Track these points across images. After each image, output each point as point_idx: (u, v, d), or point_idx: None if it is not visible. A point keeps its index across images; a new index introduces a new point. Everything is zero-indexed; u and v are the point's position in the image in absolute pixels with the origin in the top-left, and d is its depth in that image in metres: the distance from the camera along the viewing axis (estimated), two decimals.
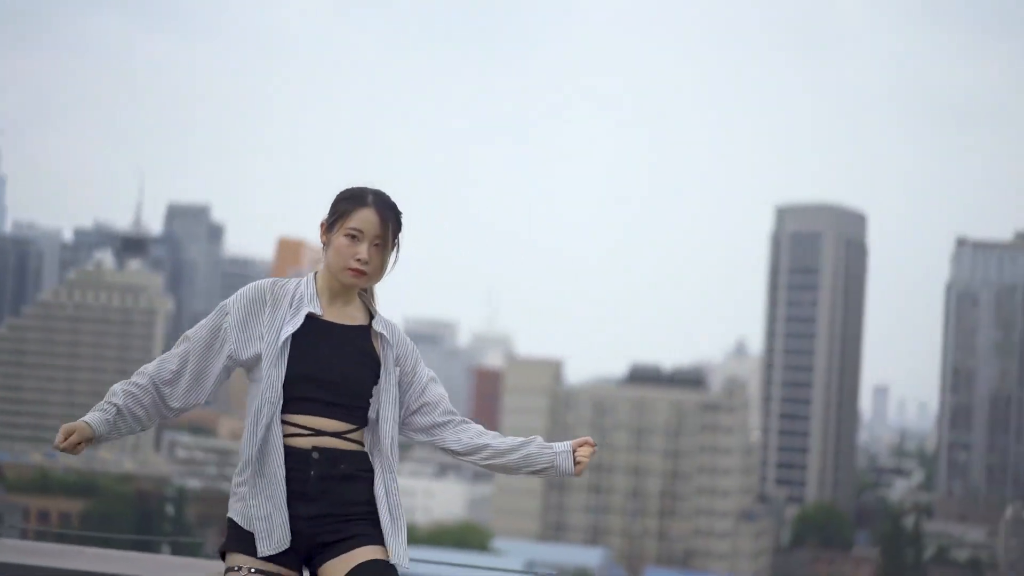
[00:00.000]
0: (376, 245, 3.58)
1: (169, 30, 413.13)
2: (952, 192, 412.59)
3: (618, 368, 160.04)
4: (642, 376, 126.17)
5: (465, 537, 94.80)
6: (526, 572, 6.51)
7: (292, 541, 3.45)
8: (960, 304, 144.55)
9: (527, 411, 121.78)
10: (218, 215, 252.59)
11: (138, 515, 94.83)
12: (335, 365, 3.54)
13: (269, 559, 3.44)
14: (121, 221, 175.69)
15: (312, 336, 3.55)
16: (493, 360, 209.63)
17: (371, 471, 3.61)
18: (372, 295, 3.74)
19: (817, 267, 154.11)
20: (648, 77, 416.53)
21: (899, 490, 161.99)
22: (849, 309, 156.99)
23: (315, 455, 3.48)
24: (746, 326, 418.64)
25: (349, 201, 3.62)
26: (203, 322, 3.65)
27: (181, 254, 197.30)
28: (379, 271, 3.63)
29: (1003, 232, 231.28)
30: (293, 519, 3.45)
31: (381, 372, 3.61)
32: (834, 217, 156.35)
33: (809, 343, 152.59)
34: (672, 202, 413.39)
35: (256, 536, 3.45)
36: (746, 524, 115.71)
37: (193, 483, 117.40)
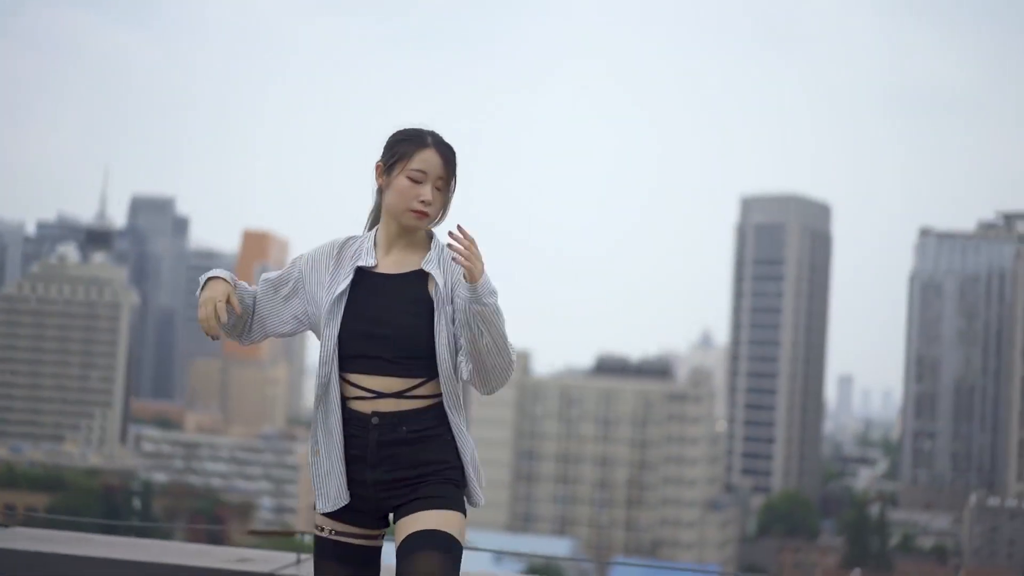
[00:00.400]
0: (437, 187, 3.50)
1: (134, 23, 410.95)
2: (916, 183, 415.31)
3: (585, 359, 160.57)
4: (609, 367, 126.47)
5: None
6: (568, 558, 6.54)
7: (361, 504, 3.44)
8: (924, 294, 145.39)
9: (494, 402, 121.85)
10: (183, 207, 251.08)
11: (105, 509, 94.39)
12: (389, 318, 3.44)
13: (348, 521, 3.45)
14: (85, 214, 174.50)
15: (365, 291, 3.48)
16: None
17: (443, 425, 3.48)
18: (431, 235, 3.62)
19: (782, 258, 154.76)
20: (615, 70, 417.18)
21: (864, 479, 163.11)
22: (813, 299, 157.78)
23: (375, 420, 3.41)
24: (712, 317, 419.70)
25: (408, 142, 3.52)
26: (277, 271, 3.63)
27: (146, 247, 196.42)
28: (440, 212, 3.53)
29: (966, 222, 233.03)
30: (358, 483, 3.42)
31: (435, 315, 3.47)
32: (798, 208, 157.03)
33: (774, 333, 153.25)
34: (638, 194, 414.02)
35: (316, 493, 3.49)
36: (712, 514, 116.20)
37: (159, 476, 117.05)
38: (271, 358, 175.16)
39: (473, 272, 3.31)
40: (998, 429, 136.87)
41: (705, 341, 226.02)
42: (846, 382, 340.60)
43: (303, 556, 4.58)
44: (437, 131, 3.57)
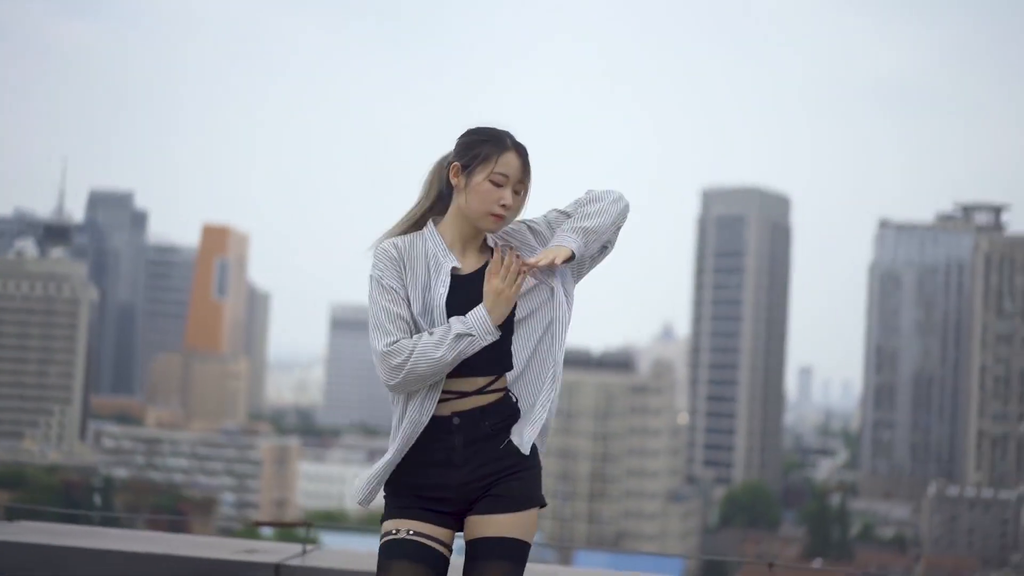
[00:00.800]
0: (516, 191, 3.46)
1: (91, 16, 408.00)
2: (874, 175, 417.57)
3: None
4: (571, 359, 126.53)
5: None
6: None
7: (443, 506, 3.43)
8: (883, 285, 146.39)
9: None
10: (141, 202, 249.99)
11: (65, 505, 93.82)
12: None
13: (427, 520, 3.43)
14: (42, 209, 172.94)
15: (454, 295, 3.44)
16: None
17: (516, 415, 3.52)
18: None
19: (742, 250, 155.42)
20: (576, 67, 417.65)
21: (824, 469, 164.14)
22: (774, 291, 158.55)
23: (455, 420, 3.43)
24: (673, 309, 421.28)
25: (490, 144, 3.45)
26: (375, 299, 3.49)
27: (104, 242, 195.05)
28: (515, 215, 3.50)
29: (925, 214, 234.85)
30: (442, 487, 3.42)
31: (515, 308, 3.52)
32: (759, 200, 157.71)
33: (735, 326, 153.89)
34: (599, 186, 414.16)
35: (386, 490, 3.51)
36: (675, 505, 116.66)
37: (120, 472, 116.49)
38: (232, 352, 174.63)
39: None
40: (956, 419, 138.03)
41: (666, 333, 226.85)
42: (806, 373, 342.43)
43: (308, 548, 4.63)
44: (512, 131, 3.53)
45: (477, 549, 3.39)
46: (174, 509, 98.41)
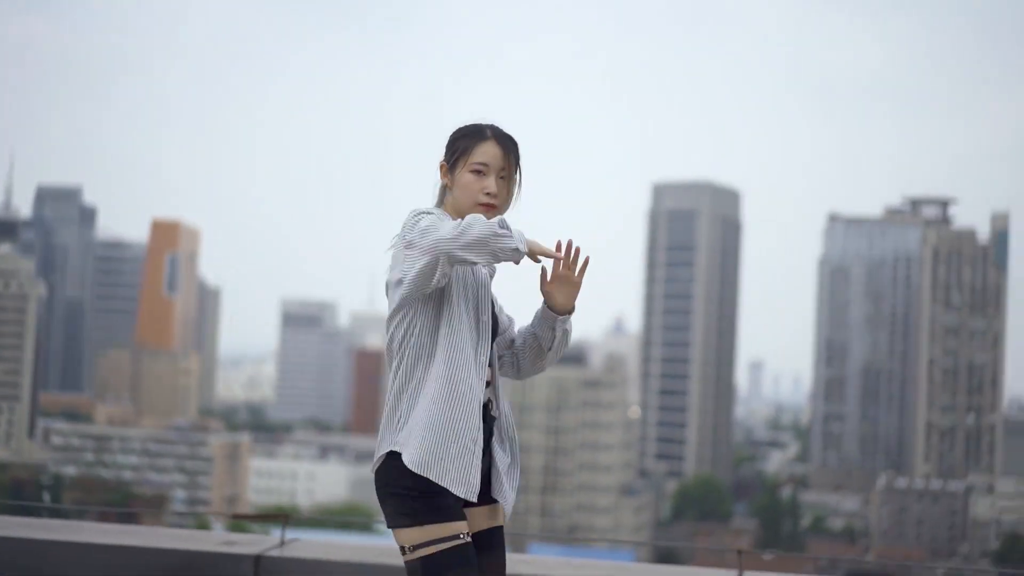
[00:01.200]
0: (501, 177, 3.52)
1: (36, 9, 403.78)
2: (824, 169, 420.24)
3: None
4: None
5: (350, 518, 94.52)
6: None
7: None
8: (832, 279, 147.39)
9: None
10: (90, 197, 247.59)
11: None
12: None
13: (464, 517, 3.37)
14: None
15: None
16: (374, 341, 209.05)
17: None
18: None
19: (693, 244, 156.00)
20: (525, 58, 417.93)
21: (775, 462, 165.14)
22: (724, 286, 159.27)
23: (491, 408, 3.52)
24: (625, 303, 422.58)
25: (468, 137, 3.54)
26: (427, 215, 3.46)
27: (52, 238, 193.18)
28: (506, 203, 3.56)
29: (873, 208, 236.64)
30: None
31: (494, 303, 3.65)
32: (709, 195, 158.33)
33: (686, 319, 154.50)
34: (550, 180, 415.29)
35: (447, 479, 3.31)
36: (627, 499, 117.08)
37: (69, 470, 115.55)
38: (182, 348, 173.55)
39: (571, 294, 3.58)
40: (905, 412, 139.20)
41: (618, 327, 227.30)
42: (757, 367, 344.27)
43: (287, 538, 4.66)
44: (496, 124, 3.60)
45: (493, 538, 3.47)
46: (125, 506, 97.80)
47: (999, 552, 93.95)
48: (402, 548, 3.35)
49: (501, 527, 3.48)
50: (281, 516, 4.83)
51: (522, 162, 3.59)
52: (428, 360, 3.42)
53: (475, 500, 3.36)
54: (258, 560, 4.37)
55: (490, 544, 3.43)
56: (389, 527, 3.41)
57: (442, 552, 3.25)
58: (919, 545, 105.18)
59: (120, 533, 4.64)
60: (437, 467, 3.30)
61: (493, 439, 3.49)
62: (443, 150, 3.61)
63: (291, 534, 4.72)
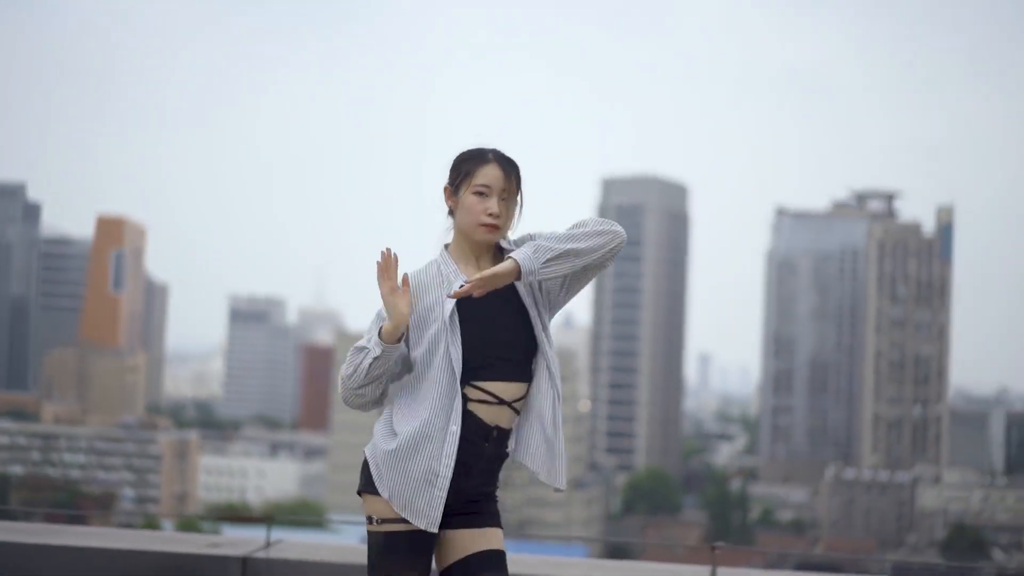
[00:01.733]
0: (503, 199, 3.60)
1: None
2: (771, 164, 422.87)
3: None
4: None
5: (300, 515, 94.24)
6: None
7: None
8: (780, 272, 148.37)
9: None
10: (34, 194, 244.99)
11: None
12: (507, 325, 3.58)
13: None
14: None
15: (471, 307, 3.55)
16: (323, 337, 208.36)
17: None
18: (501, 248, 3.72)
19: (641, 239, 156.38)
20: (474, 51, 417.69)
21: (724, 455, 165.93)
22: (673, 280, 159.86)
23: (495, 433, 3.54)
24: (574, 298, 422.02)
25: (470, 161, 3.64)
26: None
27: None
28: (508, 224, 3.63)
29: (820, 202, 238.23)
30: (452, 491, 3.49)
31: (531, 313, 3.65)
32: (657, 189, 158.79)
33: (635, 314, 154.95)
34: None
35: (392, 492, 3.47)
36: (577, 492, 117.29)
37: (16, 469, 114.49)
38: (129, 346, 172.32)
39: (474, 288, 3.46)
40: (852, 403, 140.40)
41: (568, 322, 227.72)
42: (705, 360, 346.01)
43: (272, 539, 4.66)
44: (497, 148, 3.70)
45: (481, 562, 3.51)
46: (73, 505, 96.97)
47: (946, 542, 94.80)
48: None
49: (493, 552, 3.58)
50: (264, 519, 4.84)
51: (523, 185, 3.69)
52: None
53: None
54: (245, 562, 4.38)
55: (478, 567, 3.53)
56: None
57: (375, 533, 3.52)
58: (867, 536, 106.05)
59: (102, 536, 4.64)
60: None
61: (488, 460, 3.62)
62: (447, 174, 3.70)
63: (254, 532, 4.73)
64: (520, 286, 3.63)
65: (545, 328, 3.65)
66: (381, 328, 3.50)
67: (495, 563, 3.52)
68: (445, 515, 3.48)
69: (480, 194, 3.58)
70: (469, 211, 3.58)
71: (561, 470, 3.61)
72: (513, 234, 3.68)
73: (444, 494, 3.43)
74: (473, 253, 3.64)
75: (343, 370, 3.52)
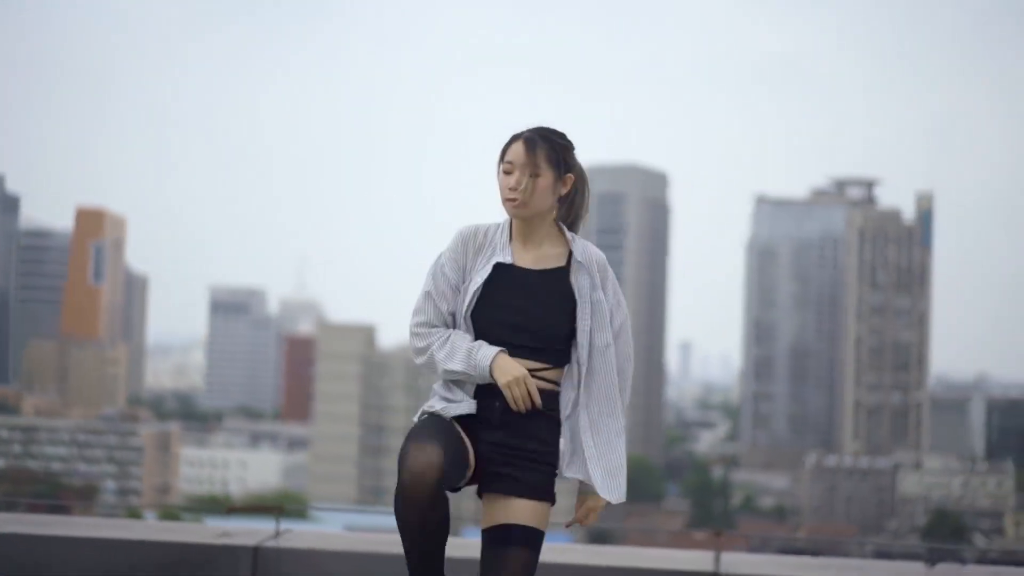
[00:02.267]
0: (533, 175, 3.70)
1: None
2: (751, 151, 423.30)
3: None
4: None
5: (282, 505, 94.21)
6: None
7: (474, 460, 3.70)
8: (760, 260, 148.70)
9: (340, 377, 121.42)
10: (12, 185, 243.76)
11: None
12: (527, 310, 3.67)
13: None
14: None
15: (504, 284, 3.70)
16: (304, 327, 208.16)
17: (556, 408, 3.77)
18: (572, 229, 3.92)
19: (622, 228, 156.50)
20: (451, 43, 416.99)
21: (706, 442, 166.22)
22: (654, 268, 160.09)
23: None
24: None
25: (508, 141, 3.77)
26: (428, 275, 3.81)
27: None
28: (535, 198, 3.72)
29: (800, 189, 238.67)
30: (477, 442, 3.70)
31: (578, 307, 3.76)
32: (638, 178, 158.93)
33: None
34: (478, 165, 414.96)
35: (450, 403, 3.73)
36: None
37: None
38: (110, 338, 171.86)
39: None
40: (833, 390, 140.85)
41: None
42: (686, 348, 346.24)
43: (282, 529, 4.66)
44: (546, 127, 3.82)
45: (499, 534, 3.65)
46: (55, 497, 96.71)
47: (927, 527, 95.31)
48: None
49: (512, 526, 3.73)
50: (275, 508, 4.85)
51: (577, 162, 3.86)
52: None
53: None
54: (256, 552, 4.38)
55: (495, 540, 3.71)
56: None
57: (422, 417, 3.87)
58: (849, 522, 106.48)
59: (112, 527, 4.63)
60: None
61: (502, 412, 3.73)
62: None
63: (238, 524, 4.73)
64: (582, 282, 3.82)
65: (594, 329, 3.77)
66: (493, 362, 3.62)
67: (504, 539, 3.65)
68: (485, 474, 3.71)
69: (506, 172, 3.71)
70: (500, 188, 3.74)
71: (588, 474, 3.94)
72: (579, 222, 3.97)
73: (468, 394, 3.70)
74: (527, 233, 3.78)
75: (419, 341, 3.76)
